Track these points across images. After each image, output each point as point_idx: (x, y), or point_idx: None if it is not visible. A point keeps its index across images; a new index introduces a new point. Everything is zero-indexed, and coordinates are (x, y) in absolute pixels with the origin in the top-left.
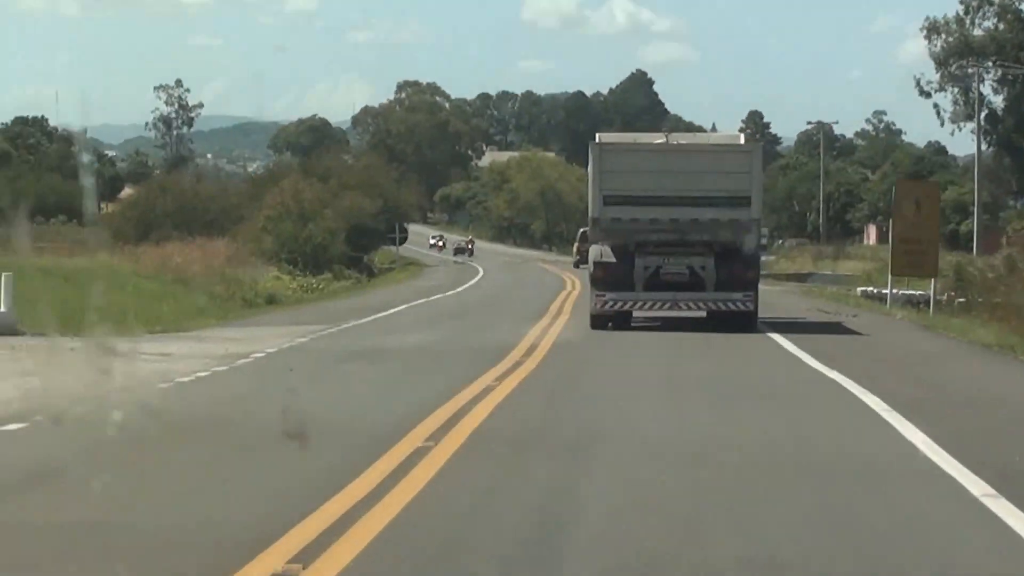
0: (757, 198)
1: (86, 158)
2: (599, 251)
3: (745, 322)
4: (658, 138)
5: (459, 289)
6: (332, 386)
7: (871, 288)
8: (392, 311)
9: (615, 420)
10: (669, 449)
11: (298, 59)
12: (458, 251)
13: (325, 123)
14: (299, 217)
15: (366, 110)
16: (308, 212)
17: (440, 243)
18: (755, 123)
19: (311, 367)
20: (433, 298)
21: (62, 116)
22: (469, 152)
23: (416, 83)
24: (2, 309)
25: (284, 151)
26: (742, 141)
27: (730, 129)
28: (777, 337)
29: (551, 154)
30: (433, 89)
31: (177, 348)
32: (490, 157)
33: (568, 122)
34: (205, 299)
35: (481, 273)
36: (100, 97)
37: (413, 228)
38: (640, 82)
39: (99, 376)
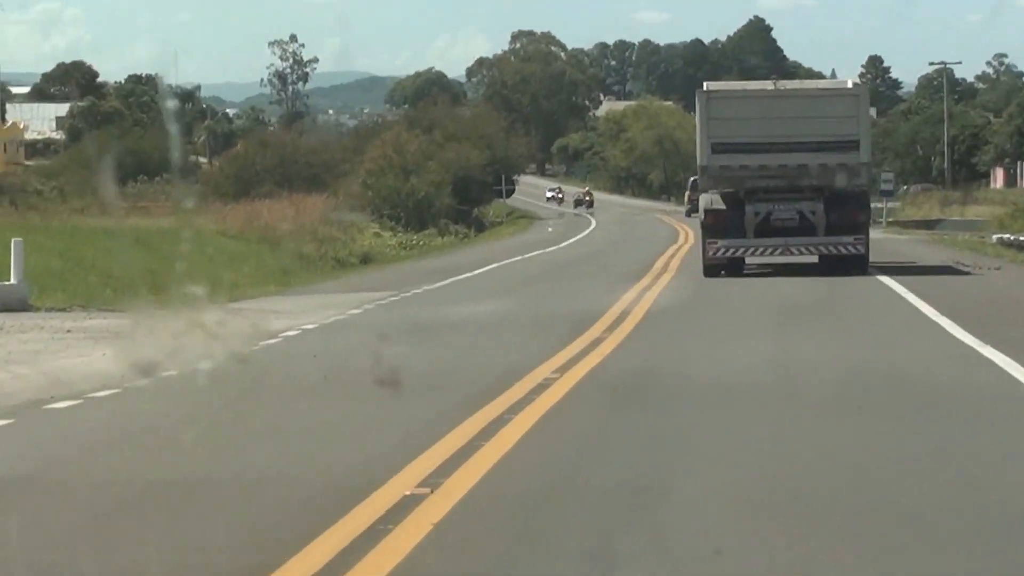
0: (865, 142)
1: (170, 104)
2: (709, 199)
3: (856, 265)
4: (765, 85)
5: (564, 244)
6: (333, 395)
7: (1007, 235)
8: (481, 271)
9: (694, 460)
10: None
11: (420, 13)
12: (577, 203)
13: (441, 76)
14: (401, 170)
15: (480, 61)
16: (411, 165)
17: (559, 195)
18: (875, 68)
19: (337, 356)
20: (532, 254)
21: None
22: (586, 102)
23: (531, 32)
24: (12, 281)
25: (402, 105)
26: (849, 85)
27: (850, 75)
28: (925, 308)
29: (668, 103)
30: (548, 39)
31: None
32: (607, 107)
33: (686, 71)
34: (292, 259)
35: (593, 226)
36: (222, 55)
37: (531, 180)
38: (758, 29)
39: None
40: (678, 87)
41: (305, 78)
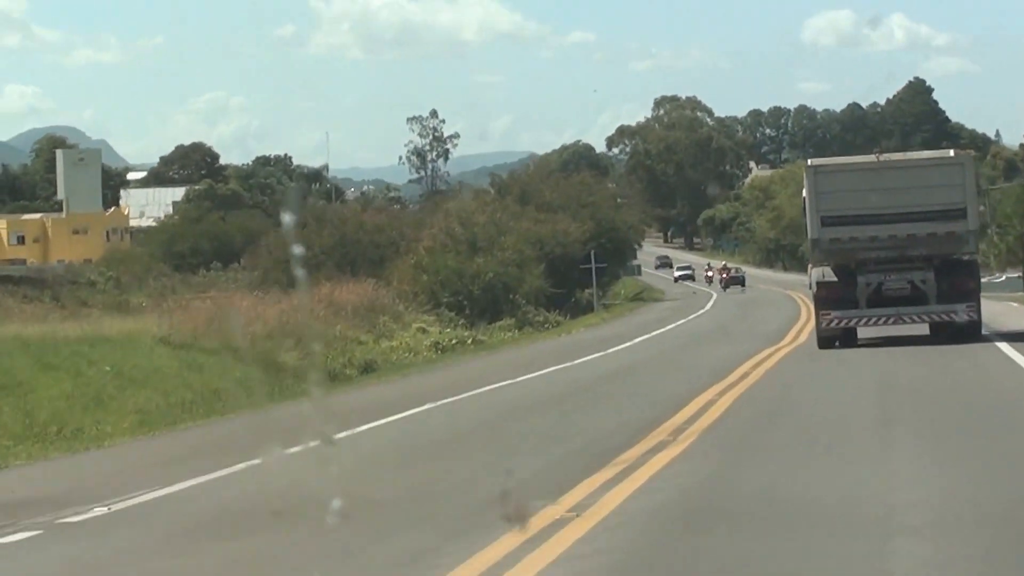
0: (972, 209)
1: (292, 188)
2: (821, 272)
3: (970, 332)
4: (870, 158)
5: (638, 339)
6: None
7: None
8: (464, 395)
9: None
10: None
11: (575, 90)
12: (731, 281)
13: (589, 149)
14: (469, 247)
15: (622, 130)
16: (481, 240)
17: (688, 273)
18: None
19: None
20: (581, 360)
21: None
22: (736, 171)
23: (675, 98)
24: None
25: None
26: (952, 154)
27: (1016, 138)
28: None
29: None
30: (693, 104)
31: None
32: (755, 175)
33: (844, 136)
34: (259, 372)
35: (704, 309)
36: (374, 138)
37: (677, 255)
38: (918, 91)
39: None
40: (836, 154)
41: (446, 155)
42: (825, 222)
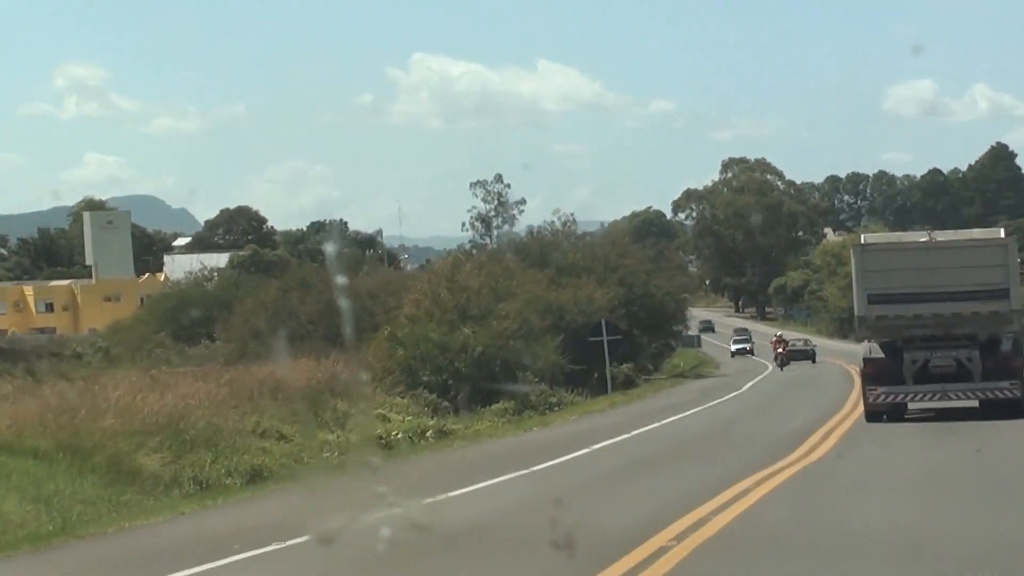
0: (1015, 289)
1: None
2: (868, 348)
3: (1014, 409)
4: (920, 236)
5: (598, 445)
6: None
7: None
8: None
9: None
10: None
11: (654, 160)
12: (790, 356)
13: (660, 215)
14: (460, 316)
15: (688, 194)
16: (472, 308)
17: (747, 346)
18: None
19: None
20: (542, 466)
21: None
22: (809, 237)
23: (743, 160)
24: None
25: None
26: (1001, 235)
27: None
28: None
29: (895, 230)
30: (763, 166)
31: None
32: (828, 240)
33: (925, 203)
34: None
35: (738, 391)
36: (452, 207)
37: (750, 326)
38: (1001, 156)
39: None
40: (917, 220)
41: (512, 220)
42: (872, 299)
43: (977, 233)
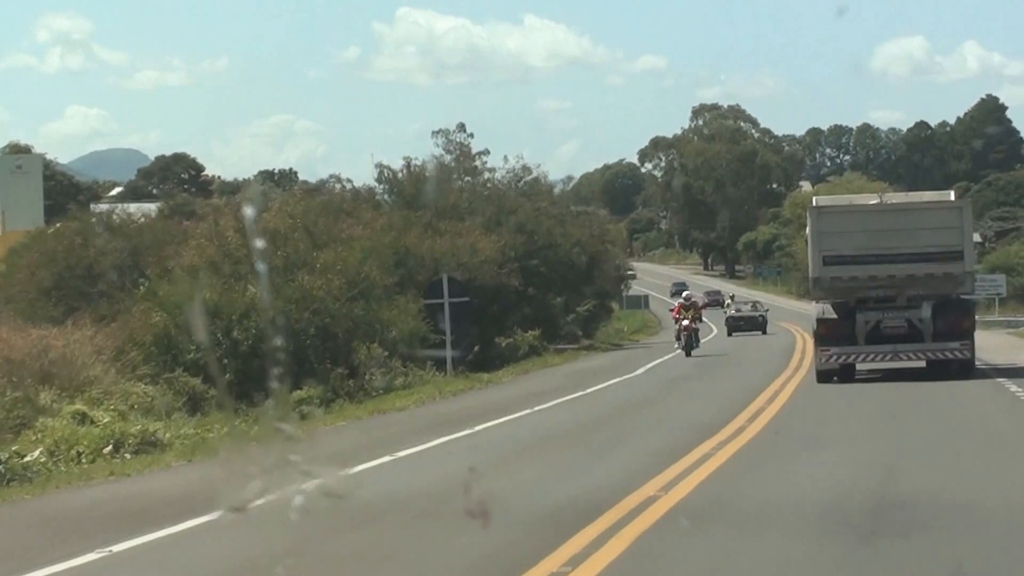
0: (969, 251)
1: (248, 211)
2: (821, 308)
3: (963, 369)
4: (872, 199)
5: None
6: None
7: None
8: None
9: None
10: None
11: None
12: (736, 322)
13: (633, 167)
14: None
15: (656, 142)
16: (275, 258)
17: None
18: None
19: None
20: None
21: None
22: (785, 190)
23: (715, 107)
24: None
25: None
26: (952, 198)
27: None
28: None
29: (876, 183)
30: (736, 113)
31: None
32: (799, 192)
33: (910, 156)
34: None
35: (637, 371)
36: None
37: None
38: (991, 109)
39: None
40: (903, 175)
41: (473, 172)
42: (827, 261)
43: (929, 196)
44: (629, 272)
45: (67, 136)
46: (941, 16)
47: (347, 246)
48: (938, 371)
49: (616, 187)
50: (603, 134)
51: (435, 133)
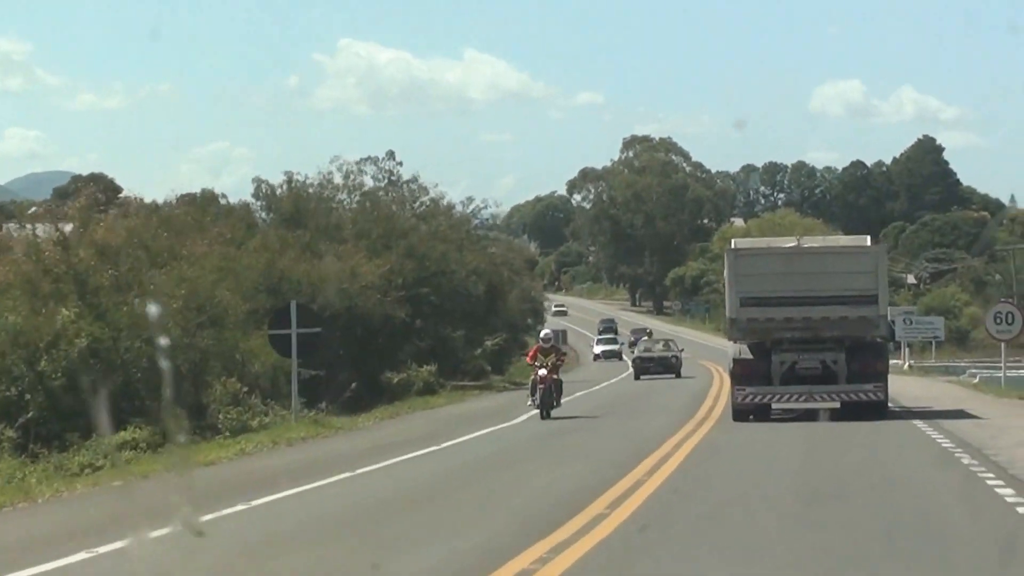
0: (883, 295)
1: None
2: (738, 349)
3: (876, 411)
4: (789, 242)
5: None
6: None
7: None
8: None
9: None
10: None
11: (583, 150)
12: (643, 364)
13: (564, 199)
14: (85, 290)
15: (585, 173)
16: (97, 279)
17: (614, 347)
18: None
19: None
20: None
21: None
22: (716, 226)
23: (647, 139)
24: None
25: (521, 233)
26: (868, 243)
27: None
28: None
29: (808, 220)
30: (668, 145)
31: None
32: (728, 227)
33: (845, 196)
34: None
35: (508, 423)
36: None
37: (638, 320)
38: (928, 150)
39: None
40: (838, 215)
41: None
42: (744, 302)
43: (845, 240)
44: (559, 307)
45: (5, 157)
46: (878, 60)
47: (197, 265)
48: (853, 412)
49: (547, 220)
50: (540, 167)
51: (364, 160)
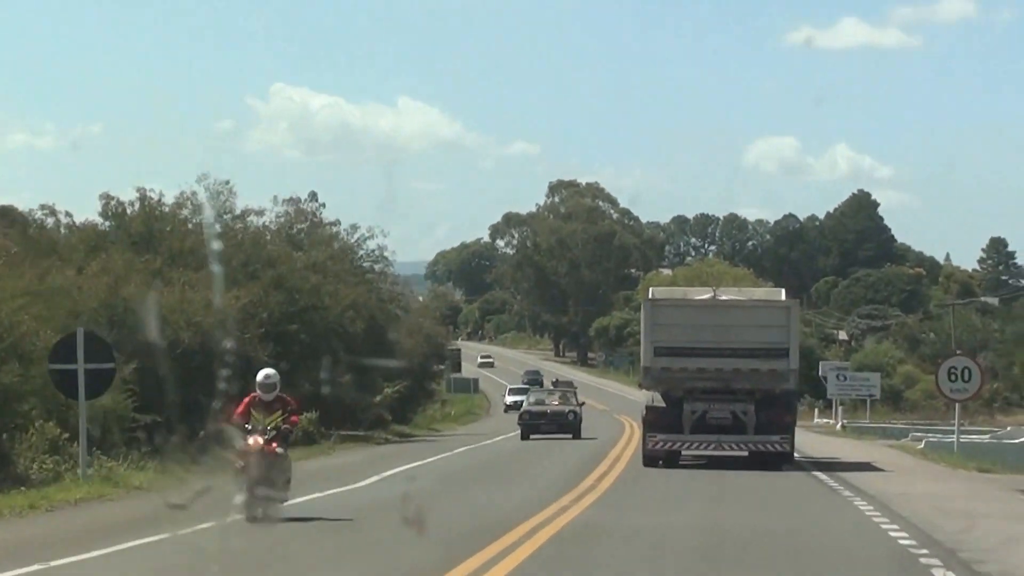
0: (794, 350)
1: None
2: (651, 396)
3: (782, 461)
4: (705, 293)
5: None
6: None
7: None
8: None
9: None
10: None
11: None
12: (531, 420)
13: (490, 246)
14: None
15: (508, 218)
16: None
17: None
18: (997, 251)
19: None
20: None
21: None
22: (643, 275)
23: (573, 183)
24: None
25: (446, 282)
26: (783, 297)
27: (970, 259)
28: None
29: (738, 269)
30: (594, 191)
31: None
32: (652, 275)
33: (777, 249)
34: None
35: (390, 472)
36: None
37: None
38: (863, 205)
39: None
40: (768, 269)
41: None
42: (658, 352)
43: (760, 293)
44: (486, 357)
45: None
46: (812, 118)
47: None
48: (759, 461)
49: (472, 267)
50: (469, 215)
51: (285, 201)
